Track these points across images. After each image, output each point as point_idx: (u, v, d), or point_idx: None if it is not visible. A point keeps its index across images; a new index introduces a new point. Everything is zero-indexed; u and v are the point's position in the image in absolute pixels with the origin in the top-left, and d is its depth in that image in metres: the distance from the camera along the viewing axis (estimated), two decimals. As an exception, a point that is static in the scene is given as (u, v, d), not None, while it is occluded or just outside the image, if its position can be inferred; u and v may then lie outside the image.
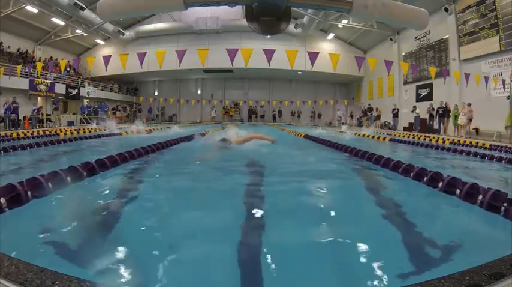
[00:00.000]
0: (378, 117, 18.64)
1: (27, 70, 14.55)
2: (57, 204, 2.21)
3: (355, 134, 12.14)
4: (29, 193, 2.08)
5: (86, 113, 19.81)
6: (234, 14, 20.49)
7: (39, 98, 16.93)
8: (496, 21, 11.85)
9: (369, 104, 20.56)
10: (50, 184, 2.27)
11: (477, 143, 8.50)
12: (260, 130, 14.67)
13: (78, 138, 7.90)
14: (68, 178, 2.55)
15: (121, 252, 1.42)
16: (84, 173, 2.87)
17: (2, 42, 17.27)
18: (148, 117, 26.52)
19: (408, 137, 11.60)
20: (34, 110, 14.60)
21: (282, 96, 26.55)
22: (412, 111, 15.49)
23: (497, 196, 2.06)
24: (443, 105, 13.25)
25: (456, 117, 12.43)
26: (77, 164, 2.86)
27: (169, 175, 3.56)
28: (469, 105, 11.82)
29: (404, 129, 16.81)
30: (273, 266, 1.31)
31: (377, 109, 18.81)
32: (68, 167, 2.72)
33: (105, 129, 12.12)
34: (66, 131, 10.89)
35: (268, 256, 1.39)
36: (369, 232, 1.73)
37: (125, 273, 1.25)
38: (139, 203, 2.32)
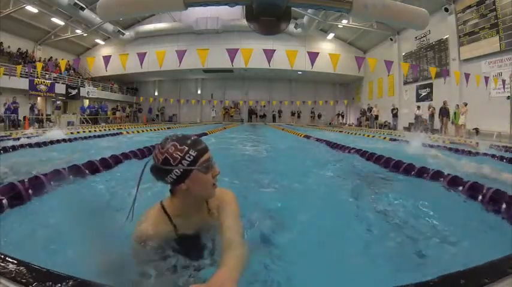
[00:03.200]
0: (376, 117, 18.62)
1: (27, 70, 14.57)
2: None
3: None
4: None
5: (88, 113, 19.82)
6: (234, 14, 20.50)
7: (39, 98, 16.94)
8: (496, 21, 11.85)
9: (368, 104, 20.56)
10: None
11: (477, 143, 8.50)
12: (261, 131, 14.70)
13: None
14: None
15: (121, 252, 1.42)
16: None
17: (2, 42, 17.27)
18: (148, 118, 26.53)
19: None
20: (31, 107, 14.65)
21: (282, 96, 26.56)
22: (415, 111, 15.50)
23: (498, 195, 2.06)
24: (447, 106, 13.17)
25: (456, 117, 12.45)
26: None
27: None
28: (465, 104, 12.07)
29: (404, 129, 16.81)
30: (274, 261, 1.31)
31: (376, 105, 18.83)
32: None
33: None
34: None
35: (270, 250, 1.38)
36: (366, 231, 1.73)
37: (125, 273, 1.25)
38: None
